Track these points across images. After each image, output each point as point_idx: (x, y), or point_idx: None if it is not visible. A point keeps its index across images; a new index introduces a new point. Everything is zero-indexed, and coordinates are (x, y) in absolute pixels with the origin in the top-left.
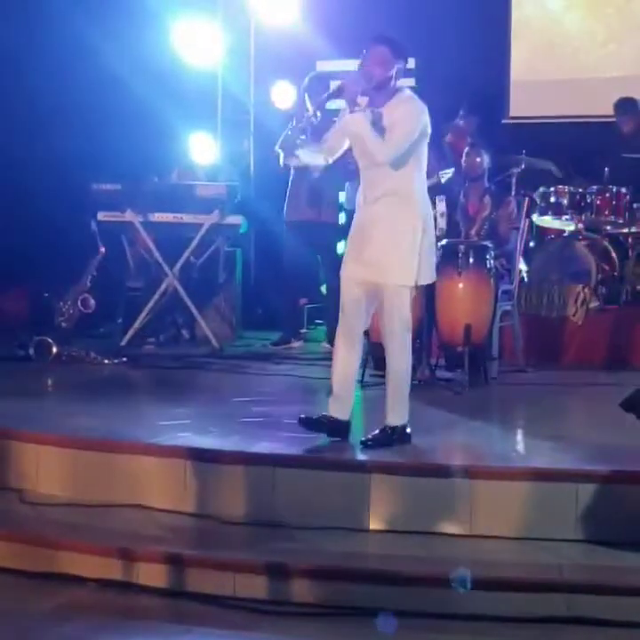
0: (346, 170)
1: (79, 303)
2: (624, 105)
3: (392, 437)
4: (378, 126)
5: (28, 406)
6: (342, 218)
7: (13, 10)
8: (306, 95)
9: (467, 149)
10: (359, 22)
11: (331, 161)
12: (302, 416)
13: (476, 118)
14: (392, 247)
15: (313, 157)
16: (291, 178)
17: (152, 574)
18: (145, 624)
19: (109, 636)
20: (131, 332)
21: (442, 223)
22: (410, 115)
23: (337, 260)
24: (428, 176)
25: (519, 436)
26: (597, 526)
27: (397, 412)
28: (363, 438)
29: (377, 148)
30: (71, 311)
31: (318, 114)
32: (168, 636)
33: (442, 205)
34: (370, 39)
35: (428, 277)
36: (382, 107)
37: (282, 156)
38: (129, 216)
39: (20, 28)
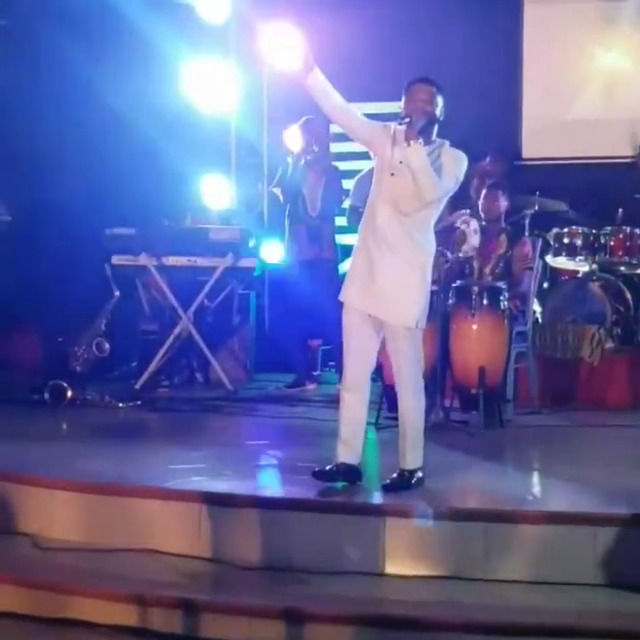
0: (355, 213)
1: (94, 347)
2: None
3: (410, 481)
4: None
5: (42, 450)
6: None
7: (21, 55)
8: (300, 131)
9: (485, 191)
10: (369, 68)
11: (331, 119)
12: (316, 469)
13: (503, 164)
14: (405, 288)
15: (324, 95)
16: (287, 220)
17: (166, 620)
18: None
19: None
20: (145, 376)
21: (474, 241)
22: (459, 162)
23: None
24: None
25: (535, 479)
26: (616, 570)
27: (413, 456)
28: (382, 482)
29: (431, 185)
30: (86, 355)
31: (315, 148)
32: None
33: (474, 222)
34: (412, 79)
35: (424, 321)
36: (426, 145)
37: (280, 194)
38: (143, 260)
39: (28, 73)
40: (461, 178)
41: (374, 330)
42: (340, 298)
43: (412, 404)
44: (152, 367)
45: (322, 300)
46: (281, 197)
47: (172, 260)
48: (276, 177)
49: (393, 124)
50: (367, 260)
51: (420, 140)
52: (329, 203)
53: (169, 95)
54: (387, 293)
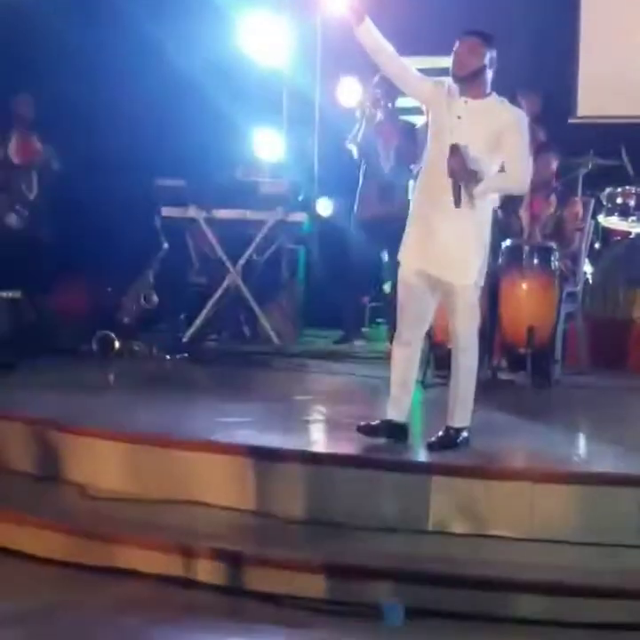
0: (408, 173)
1: (142, 299)
2: None
3: (456, 440)
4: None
5: (89, 401)
6: None
7: (80, 11)
8: (377, 91)
9: (535, 155)
10: (428, 20)
11: (381, 72)
12: (361, 423)
13: (535, 100)
14: (463, 246)
15: (378, 47)
16: (361, 177)
17: (210, 571)
18: (202, 620)
19: (166, 631)
20: (193, 328)
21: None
22: (523, 130)
23: None
24: None
25: (582, 440)
26: None
27: (461, 414)
28: (427, 440)
29: (515, 186)
30: (134, 307)
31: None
32: (226, 633)
33: None
34: (459, 33)
35: (483, 279)
36: (476, 99)
37: (354, 150)
38: (192, 212)
39: (88, 28)
40: (528, 136)
41: (431, 288)
42: (398, 257)
43: (466, 362)
44: (200, 320)
45: (378, 258)
46: (355, 153)
47: (221, 213)
48: (352, 133)
49: (446, 80)
50: (425, 219)
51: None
52: (403, 160)
53: (223, 47)
54: (445, 252)
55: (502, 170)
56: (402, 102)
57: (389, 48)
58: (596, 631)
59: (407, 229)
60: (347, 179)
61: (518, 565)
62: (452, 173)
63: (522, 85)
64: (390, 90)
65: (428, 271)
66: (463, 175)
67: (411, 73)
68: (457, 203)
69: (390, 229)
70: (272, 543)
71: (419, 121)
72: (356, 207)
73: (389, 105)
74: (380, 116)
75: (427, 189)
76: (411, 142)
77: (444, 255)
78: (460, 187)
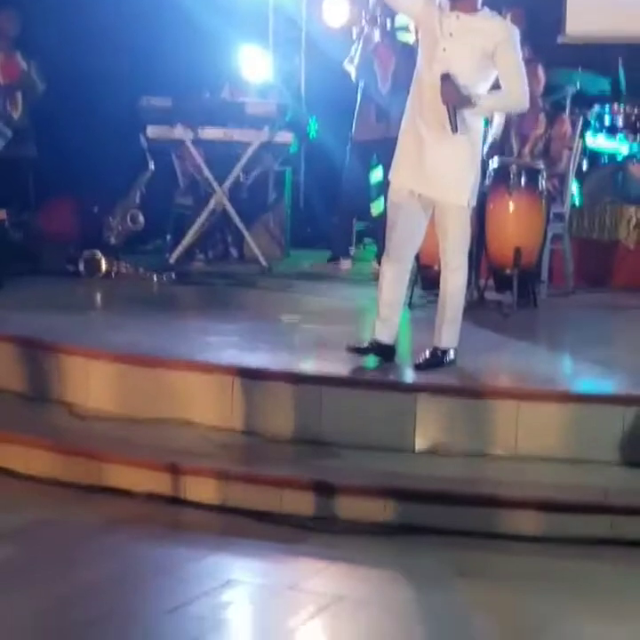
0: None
1: (128, 219)
2: None
3: (443, 359)
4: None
5: (77, 321)
6: None
7: None
8: (376, 9)
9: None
10: None
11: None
12: (350, 344)
13: (523, 14)
14: (456, 166)
15: None
16: (359, 98)
17: (199, 489)
18: (191, 536)
19: (155, 547)
20: (179, 249)
21: (497, 130)
22: (516, 45)
23: None
24: None
25: (566, 359)
26: None
27: (449, 335)
28: (414, 360)
29: (513, 104)
30: (120, 227)
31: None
32: (214, 548)
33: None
34: None
35: (475, 199)
36: (467, 13)
37: (352, 72)
38: (178, 132)
39: None
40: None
41: (423, 209)
42: (390, 177)
43: (455, 282)
44: (186, 241)
45: (369, 179)
46: (353, 75)
47: (207, 133)
48: (350, 54)
49: None
50: (417, 139)
51: (459, 129)
52: (400, 81)
53: None
54: (438, 172)
55: (493, 88)
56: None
57: None
58: (582, 546)
59: (399, 149)
60: (334, 99)
61: (504, 483)
62: (446, 101)
63: (507, 2)
64: (388, 8)
65: (421, 191)
66: (457, 101)
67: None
68: (454, 129)
69: (386, 150)
70: (259, 461)
71: (411, 39)
72: (353, 129)
73: (388, 24)
74: (377, 35)
75: (418, 109)
76: (409, 63)
77: (437, 175)
78: (455, 113)
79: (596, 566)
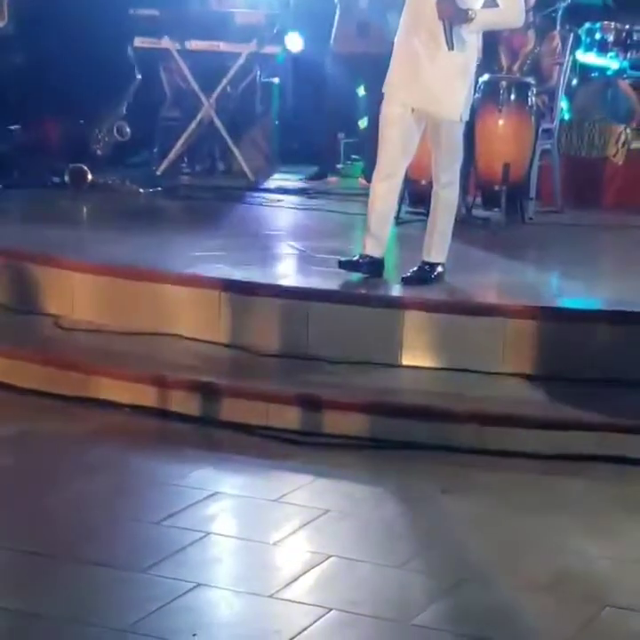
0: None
1: (114, 130)
2: None
3: (431, 274)
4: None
5: (63, 233)
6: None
7: None
8: None
9: None
10: None
11: None
12: (341, 259)
13: None
14: (450, 81)
15: None
16: (338, 10)
17: (185, 402)
18: (178, 448)
19: (142, 459)
20: (166, 162)
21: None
22: None
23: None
24: None
25: (554, 277)
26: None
27: (438, 250)
28: (402, 275)
29: (509, 20)
30: (106, 139)
31: None
32: (200, 461)
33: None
34: None
35: (468, 114)
36: None
37: None
38: (166, 43)
39: None
40: None
41: (416, 122)
42: (383, 89)
43: (446, 197)
44: (173, 154)
45: (355, 93)
46: None
47: (194, 45)
48: None
49: None
50: (411, 53)
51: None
52: None
53: None
54: (432, 86)
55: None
56: None
57: None
58: (560, 462)
59: (393, 64)
60: (323, 10)
61: (490, 399)
62: (442, 16)
63: None
64: None
65: (414, 104)
66: (454, 17)
67: None
68: (450, 45)
69: (367, 65)
70: (246, 375)
71: None
72: (332, 41)
73: None
74: None
75: (413, 24)
76: None
77: (431, 89)
78: (451, 29)
79: (584, 483)
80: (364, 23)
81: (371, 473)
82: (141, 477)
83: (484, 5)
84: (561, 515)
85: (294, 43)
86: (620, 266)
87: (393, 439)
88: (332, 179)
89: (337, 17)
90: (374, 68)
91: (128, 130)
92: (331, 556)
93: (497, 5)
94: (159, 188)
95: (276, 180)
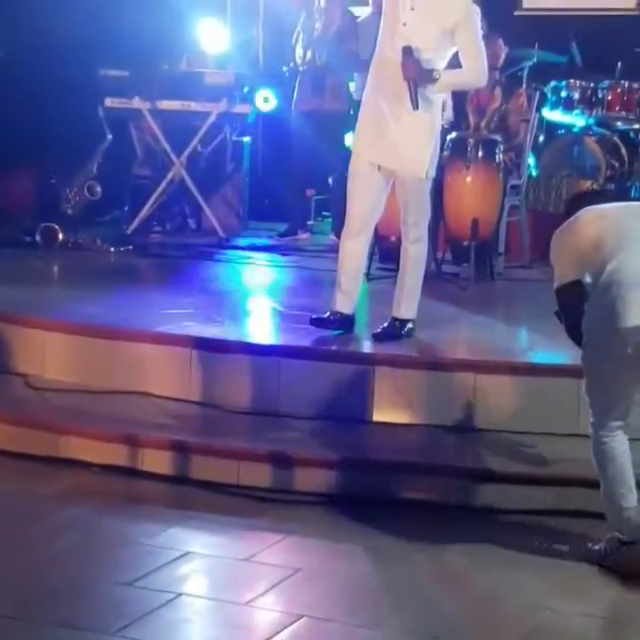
0: (356, 61)
1: (85, 190)
2: None
3: (401, 331)
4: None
5: (34, 292)
6: (351, 108)
7: None
8: None
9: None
10: None
11: None
12: (313, 316)
13: None
14: (416, 139)
15: None
16: (300, 68)
17: (156, 461)
18: (149, 508)
19: (113, 519)
20: (137, 221)
21: (448, 114)
22: (476, 23)
23: (344, 151)
24: None
25: (523, 332)
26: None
27: (408, 306)
28: (372, 331)
29: (472, 80)
30: (77, 198)
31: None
32: (172, 521)
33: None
34: None
35: (434, 171)
36: None
37: (298, 53)
38: (137, 103)
39: None
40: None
41: (384, 180)
42: (351, 147)
43: (416, 254)
44: (144, 212)
45: (320, 151)
46: (299, 54)
47: (165, 104)
48: (295, 35)
49: None
50: (377, 112)
51: (420, 105)
52: (339, 52)
53: None
54: (397, 145)
55: (450, 66)
56: None
57: None
58: (533, 517)
59: (360, 121)
60: (291, 70)
61: (460, 453)
62: (407, 76)
63: None
64: None
65: (382, 163)
66: (418, 77)
67: None
68: (415, 105)
69: (325, 123)
70: (217, 433)
71: (363, 12)
72: (293, 99)
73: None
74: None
75: (379, 82)
76: (350, 33)
77: (397, 148)
78: (416, 89)
79: (539, 536)
80: (320, 82)
81: (342, 530)
82: (112, 537)
83: (448, 66)
84: (525, 570)
85: (264, 101)
86: None
87: (364, 495)
88: (303, 235)
89: (299, 76)
90: (330, 125)
91: (99, 189)
92: (302, 616)
93: (461, 66)
94: (130, 247)
95: (247, 237)
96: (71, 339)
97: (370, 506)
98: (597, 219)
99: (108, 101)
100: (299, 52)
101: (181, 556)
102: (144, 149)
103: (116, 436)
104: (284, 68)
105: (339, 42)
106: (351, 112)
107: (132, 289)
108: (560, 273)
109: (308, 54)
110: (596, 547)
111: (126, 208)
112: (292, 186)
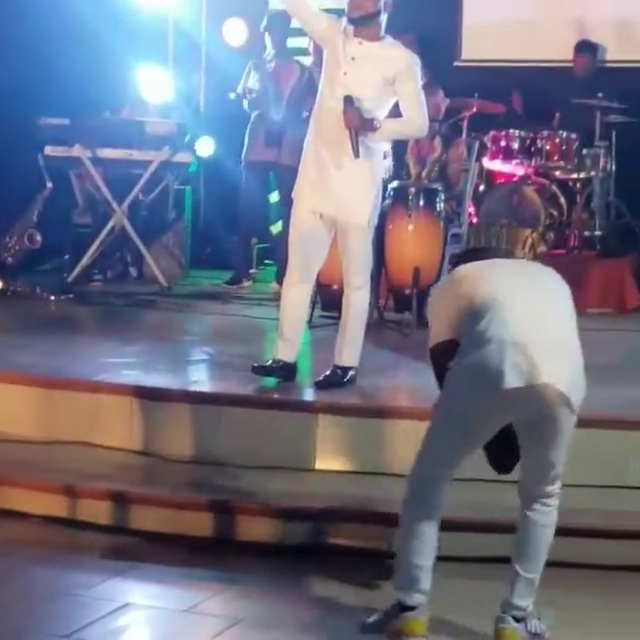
0: (300, 119)
1: (25, 238)
2: (583, 46)
3: (343, 378)
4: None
5: None
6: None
7: None
8: (266, 34)
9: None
10: None
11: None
12: (255, 364)
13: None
14: (357, 187)
15: None
16: (251, 120)
17: (96, 511)
18: (89, 559)
19: (53, 570)
20: (78, 269)
21: (389, 163)
22: (417, 74)
23: None
24: None
25: None
26: None
27: (350, 354)
28: (314, 379)
29: (413, 131)
30: (17, 246)
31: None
32: (111, 571)
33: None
34: None
35: (376, 219)
36: (370, 41)
37: (245, 102)
38: (77, 151)
39: None
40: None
41: (326, 228)
42: (293, 196)
43: (357, 302)
44: (85, 260)
45: (267, 199)
46: (246, 104)
47: (106, 152)
48: (242, 81)
49: (344, 20)
50: (318, 160)
51: (360, 153)
52: (296, 104)
53: None
54: (339, 193)
55: (391, 114)
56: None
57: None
58: (488, 565)
59: (301, 171)
60: (233, 119)
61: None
62: (348, 125)
63: (399, 28)
64: (279, 28)
65: (323, 211)
66: (359, 126)
67: (315, 12)
68: (355, 153)
69: (278, 176)
70: (157, 482)
71: (307, 61)
72: (244, 149)
73: (282, 45)
74: (272, 58)
75: (320, 131)
76: (306, 84)
77: (339, 196)
78: (357, 137)
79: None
80: (273, 134)
81: (283, 579)
82: (50, 589)
83: (389, 115)
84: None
85: (205, 147)
86: None
87: (307, 544)
88: (246, 283)
89: (249, 126)
90: (284, 178)
91: (39, 237)
92: None
93: (401, 116)
94: (70, 295)
95: (189, 285)
96: (10, 388)
97: (313, 555)
98: (468, 276)
99: (48, 150)
100: (251, 82)
101: (121, 607)
102: (85, 198)
103: (54, 486)
104: (231, 95)
105: (303, 96)
106: None
107: (72, 337)
108: (435, 331)
109: (265, 107)
110: None
111: (67, 256)
112: (237, 235)
